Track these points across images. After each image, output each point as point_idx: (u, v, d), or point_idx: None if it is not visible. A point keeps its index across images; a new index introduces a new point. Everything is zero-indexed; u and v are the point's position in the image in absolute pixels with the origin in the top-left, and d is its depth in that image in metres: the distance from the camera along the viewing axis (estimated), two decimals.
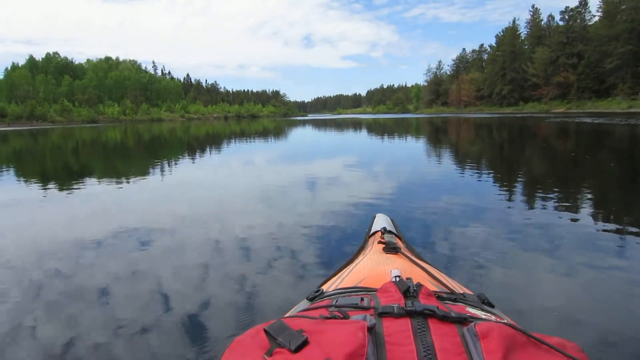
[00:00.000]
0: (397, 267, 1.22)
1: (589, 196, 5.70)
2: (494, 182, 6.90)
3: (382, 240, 1.61)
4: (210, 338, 2.22)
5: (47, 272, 3.22)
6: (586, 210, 4.92)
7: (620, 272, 3.00)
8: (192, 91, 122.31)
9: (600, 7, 65.82)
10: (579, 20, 70.37)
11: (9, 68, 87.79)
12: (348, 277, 1.25)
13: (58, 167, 11.36)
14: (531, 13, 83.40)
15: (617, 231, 3.98)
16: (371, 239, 1.80)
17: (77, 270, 3.24)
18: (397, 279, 1.01)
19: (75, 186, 7.52)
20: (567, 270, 3.07)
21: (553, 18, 79.11)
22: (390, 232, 1.79)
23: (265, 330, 0.69)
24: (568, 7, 71.38)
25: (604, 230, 4.01)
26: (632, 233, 3.91)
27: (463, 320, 0.74)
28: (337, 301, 0.93)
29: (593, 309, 2.51)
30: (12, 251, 3.81)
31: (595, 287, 2.81)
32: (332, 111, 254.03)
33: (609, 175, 7.49)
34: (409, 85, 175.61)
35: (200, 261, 3.37)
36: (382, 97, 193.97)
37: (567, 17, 71.56)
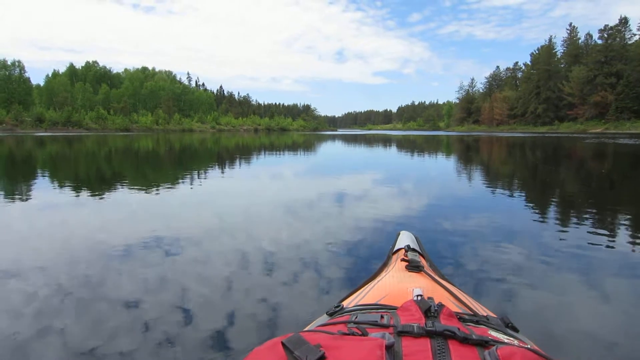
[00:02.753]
0: (419, 285, 1.23)
1: (626, 220, 5.37)
2: (525, 203, 6.60)
3: (405, 258, 1.59)
4: (228, 347, 2.20)
5: (75, 276, 3.22)
6: (622, 234, 4.62)
7: None
8: (224, 103, 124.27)
9: None
10: (618, 39, 68.90)
11: (50, 75, 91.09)
12: (369, 294, 1.25)
13: (91, 173, 11.46)
14: (568, 31, 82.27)
15: None
16: (394, 256, 1.76)
17: (104, 275, 3.25)
18: (419, 297, 0.99)
19: (106, 192, 7.54)
20: (599, 296, 2.91)
21: (591, 37, 77.86)
22: (414, 250, 1.76)
23: (282, 343, 0.68)
24: (607, 25, 70.11)
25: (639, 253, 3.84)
26: None
27: (484, 344, 0.72)
28: (356, 317, 0.91)
29: (626, 339, 2.33)
30: (44, 253, 3.84)
31: (630, 315, 2.63)
32: (362, 126, 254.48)
33: None
34: (440, 102, 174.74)
35: (223, 271, 3.34)
36: (412, 113, 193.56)
37: (606, 35, 70.17)
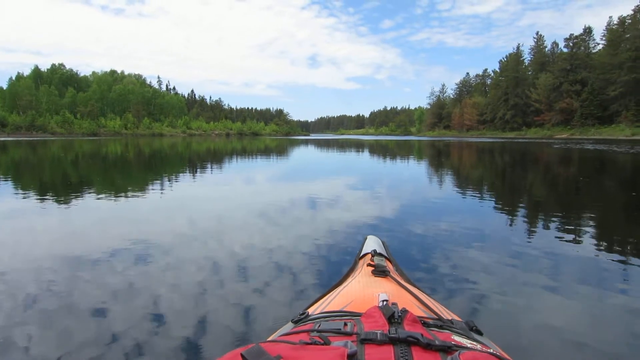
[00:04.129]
0: (385, 290, 1.22)
1: (591, 222, 5.52)
2: (493, 207, 6.64)
3: (371, 262, 1.59)
4: (196, 357, 2.17)
5: (41, 286, 3.11)
6: (587, 236, 4.72)
7: (621, 300, 2.89)
8: (195, 107, 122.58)
9: (604, 35, 66.56)
10: (582, 48, 70.98)
11: (14, 78, 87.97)
12: (335, 300, 1.23)
13: (56, 179, 11.01)
14: (535, 40, 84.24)
15: (618, 258, 3.87)
16: (361, 261, 1.77)
17: (72, 285, 3.14)
18: (384, 303, 0.99)
19: (72, 199, 7.23)
20: (564, 298, 2.93)
21: (557, 45, 79.90)
22: (380, 254, 1.74)
23: (242, 355, 0.66)
24: (572, 34, 72.15)
25: (604, 257, 3.90)
26: (634, 260, 3.80)
27: (447, 349, 0.72)
28: (319, 325, 0.90)
29: (592, 338, 2.37)
30: (7, 263, 3.69)
31: (594, 317, 2.67)
32: (335, 131, 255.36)
33: (612, 203, 7.24)
34: (412, 107, 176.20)
35: (191, 278, 3.28)
36: (385, 118, 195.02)
37: (571, 44, 72.17)
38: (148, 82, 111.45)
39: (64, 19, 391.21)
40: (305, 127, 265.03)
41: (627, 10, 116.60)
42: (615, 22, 64.49)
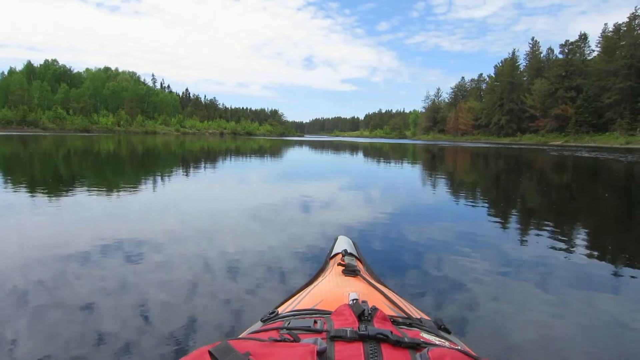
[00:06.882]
0: (355, 290, 1.22)
1: (579, 229, 5.59)
2: (470, 212, 6.64)
3: (342, 262, 1.60)
4: (155, 357, 2.16)
5: (31, 283, 3.09)
6: (570, 242, 4.73)
7: (606, 304, 2.91)
8: (189, 106, 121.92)
9: (599, 42, 66.71)
10: (578, 54, 71.19)
11: (6, 73, 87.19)
12: (305, 299, 1.24)
13: (47, 175, 10.78)
14: (530, 45, 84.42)
15: (605, 264, 3.92)
16: (332, 261, 1.79)
17: (62, 282, 3.14)
18: (354, 302, 0.99)
19: (63, 196, 7.17)
20: (533, 297, 2.98)
21: (552, 51, 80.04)
22: (351, 254, 1.79)
23: (209, 352, 0.66)
24: (568, 40, 72.28)
25: (591, 263, 3.91)
26: (621, 267, 3.82)
27: (416, 346, 0.72)
28: (289, 323, 0.90)
29: (560, 338, 2.39)
30: None
31: (563, 314, 2.72)
32: (330, 133, 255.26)
33: (603, 210, 7.21)
34: (407, 111, 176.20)
35: (161, 276, 3.27)
36: (379, 121, 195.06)
37: (566, 50, 72.34)
38: (142, 79, 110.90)
39: (59, 14, 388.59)
40: (300, 128, 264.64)
41: (622, 18, 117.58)
42: (610, 29, 64.83)
